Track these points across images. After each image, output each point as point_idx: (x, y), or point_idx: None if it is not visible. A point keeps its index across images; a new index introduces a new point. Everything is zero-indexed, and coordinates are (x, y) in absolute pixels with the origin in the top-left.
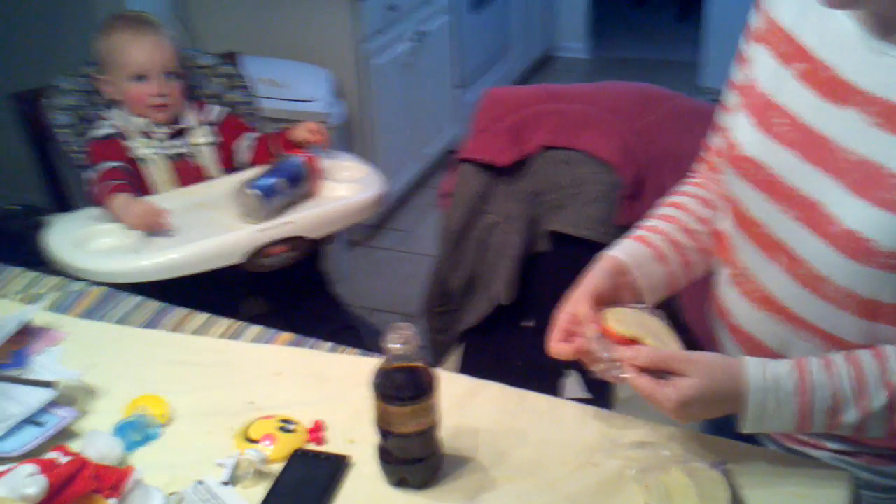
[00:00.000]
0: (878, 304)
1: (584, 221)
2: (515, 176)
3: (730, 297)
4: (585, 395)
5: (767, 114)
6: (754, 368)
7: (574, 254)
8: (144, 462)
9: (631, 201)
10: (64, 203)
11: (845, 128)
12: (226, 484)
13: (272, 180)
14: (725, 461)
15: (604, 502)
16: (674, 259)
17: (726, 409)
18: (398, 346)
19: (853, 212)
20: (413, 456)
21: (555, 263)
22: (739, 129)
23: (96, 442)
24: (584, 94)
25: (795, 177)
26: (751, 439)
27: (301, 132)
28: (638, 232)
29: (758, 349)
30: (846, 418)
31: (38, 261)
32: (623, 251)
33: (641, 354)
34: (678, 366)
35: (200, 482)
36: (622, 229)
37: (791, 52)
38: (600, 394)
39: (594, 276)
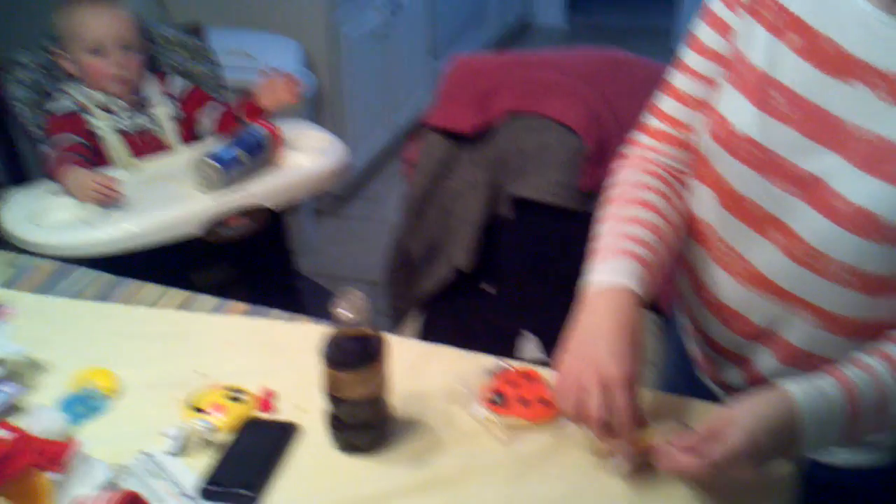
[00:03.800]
0: (882, 278)
1: (547, 186)
2: (479, 143)
3: (712, 275)
4: (543, 357)
5: (763, 90)
6: (794, 386)
7: (536, 219)
8: (91, 435)
9: (594, 166)
10: (22, 178)
11: (851, 103)
12: (172, 454)
13: (231, 151)
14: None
15: (557, 459)
16: (655, 286)
17: (785, 436)
18: (347, 312)
19: (861, 188)
20: (362, 421)
21: (517, 229)
22: (731, 107)
23: (41, 417)
24: (551, 60)
25: (795, 154)
26: (712, 397)
27: (268, 95)
28: (638, 250)
29: (744, 325)
30: (891, 407)
31: None
32: (639, 285)
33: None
34: (719, 425)
35: (146, 453)
36: (585, 195)
37: (783, 23)
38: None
39: (632, 332)
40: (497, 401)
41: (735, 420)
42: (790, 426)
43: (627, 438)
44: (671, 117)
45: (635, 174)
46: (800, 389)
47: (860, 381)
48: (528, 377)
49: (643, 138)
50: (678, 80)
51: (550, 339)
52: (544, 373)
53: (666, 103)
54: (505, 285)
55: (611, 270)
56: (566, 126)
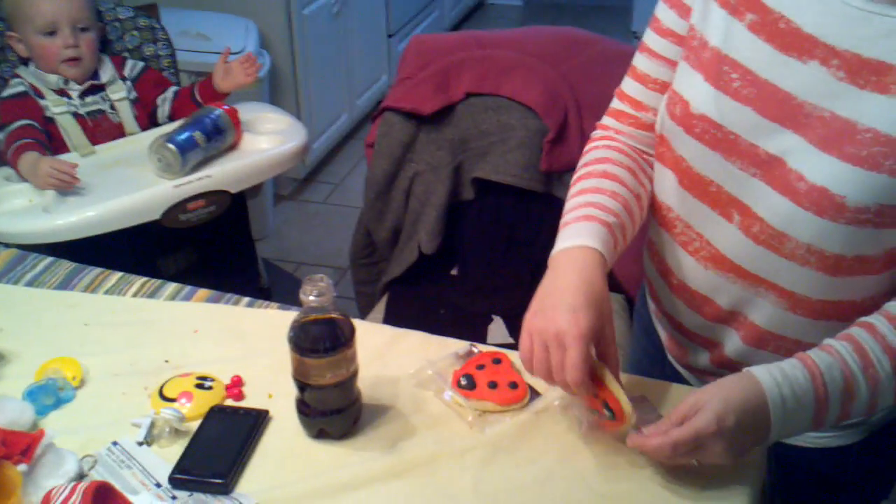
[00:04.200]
0: (842, 258)
1: (508, 168)
2: (440, 124)
3: (674, 256)
4: (509, 339)
5: (720, 69)
6: (761, 370)
7: (498, 201)
8: (58, 426)
9: (555, 146)
10: None
11: (807, 82)
12: (141, 444)
13: (189, 134)
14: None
15: (527, 443)
16: (620, 249)
17: (754, 419)
18: (313, 297)
19: (821, 168)
20: (331, 407)
21: (479, 211)
22: (688, 85)
23: (5, 407)
24: (509, 39)
25: (754, 134)
26: (681, 380)
27: (224, 76)
28: (600, 215)
29: (709, 308)
30: (858, 394)
31: None
32: (602, 244)
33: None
34: (688, 410)
35: (115, 443)
36: (546, 175)
37: (739, 0)
38: None
39: (594, 285)
40: (466, 385)
41: (702, 405)
42: (759, 409)
43: (583, 394)
44: (635, 100)
45: (601, 152)
46: (767, 373)
47: (825, 364)
48: (497, 360)
49: (609, 121)
50: (641, 62)
51: (517, 322)
52: (512, 356)
53: (630, 86)
54: (469, 268)
55: (574, 235)
56: (526, 106)
